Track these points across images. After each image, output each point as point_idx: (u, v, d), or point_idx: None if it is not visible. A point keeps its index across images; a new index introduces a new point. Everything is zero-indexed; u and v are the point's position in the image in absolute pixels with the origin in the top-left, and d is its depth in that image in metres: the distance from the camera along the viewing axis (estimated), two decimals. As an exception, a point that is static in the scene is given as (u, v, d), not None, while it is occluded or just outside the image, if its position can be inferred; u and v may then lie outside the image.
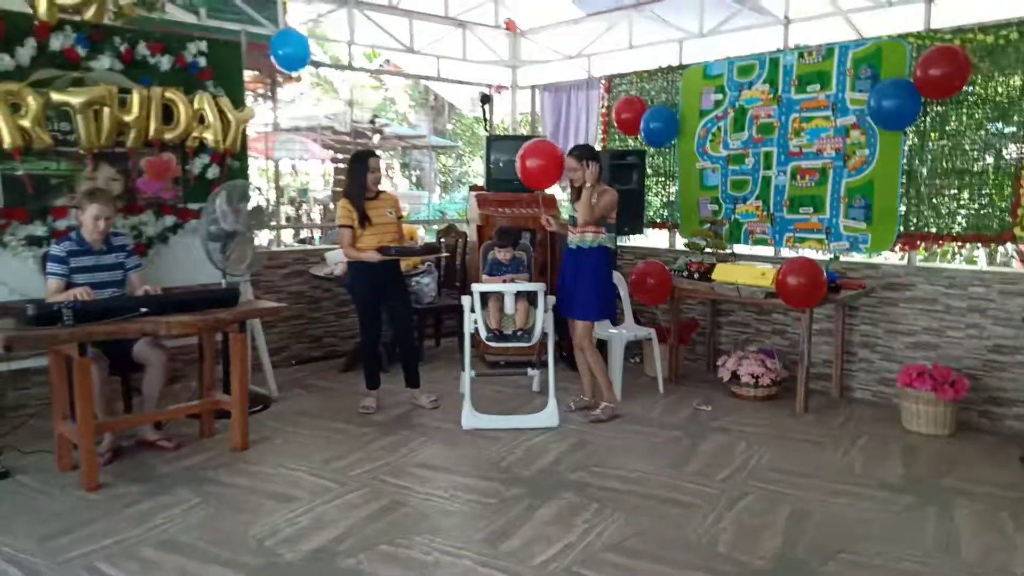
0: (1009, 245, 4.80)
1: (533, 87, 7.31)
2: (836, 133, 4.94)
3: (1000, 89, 4.37)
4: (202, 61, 4.65)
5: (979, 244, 4.81)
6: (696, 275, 5.18)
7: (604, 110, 6.54)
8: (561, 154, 4.85)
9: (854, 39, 4.99)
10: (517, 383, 5.30)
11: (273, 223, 6.67)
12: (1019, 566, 2.86)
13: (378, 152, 5.03)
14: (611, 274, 4.65)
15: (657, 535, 3.10)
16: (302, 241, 10.57)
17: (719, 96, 5.56)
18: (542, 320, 4.45)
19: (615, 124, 6.16)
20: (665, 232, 6.28)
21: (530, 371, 5.19)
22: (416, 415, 4.70)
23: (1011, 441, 4.21)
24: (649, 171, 6.04)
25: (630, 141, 6.29)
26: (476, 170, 16.66)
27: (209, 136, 4.60)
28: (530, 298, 4.52)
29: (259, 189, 11.28)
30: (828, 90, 4.96)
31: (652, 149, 6.05)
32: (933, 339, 4.73)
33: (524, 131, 7.46)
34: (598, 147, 6.38)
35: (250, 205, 4.70)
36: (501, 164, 5.94)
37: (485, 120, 6.73)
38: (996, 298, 4.48)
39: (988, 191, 4.48)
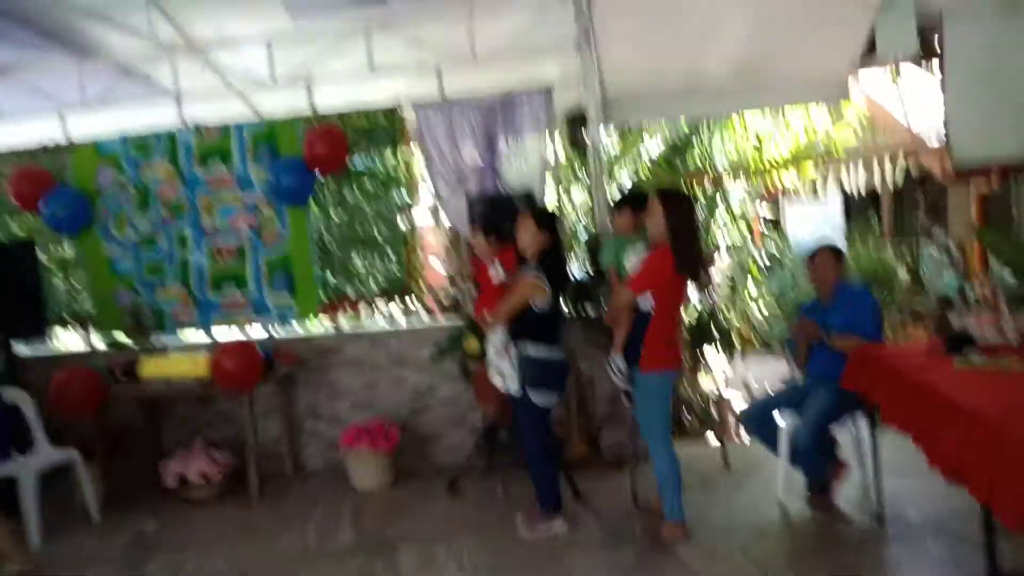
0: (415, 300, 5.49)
1: None
2: (247, 210, 4.93)
3: (380, 166, 4.98)
4: None
5: (390, 302, 5.38)
6: (121, 374, 4.57)
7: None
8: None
9: (248, 118, 5.09)
10: None
11: None
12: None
13: None
14: None
15: None
16: None
17: (118, 175, 5.03)
18: None
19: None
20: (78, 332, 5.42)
21: None
22: None
23: (440, 474, 4.65)
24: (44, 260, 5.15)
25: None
26: None
27: None
28: None
29: None
30: (232, 168, 4.92)
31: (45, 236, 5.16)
32: (368, 396, 5.03)
33: None
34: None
35: None
36: None
37: None
38: (410, 349, 5.00)
39: (389, 255, 5.04)
